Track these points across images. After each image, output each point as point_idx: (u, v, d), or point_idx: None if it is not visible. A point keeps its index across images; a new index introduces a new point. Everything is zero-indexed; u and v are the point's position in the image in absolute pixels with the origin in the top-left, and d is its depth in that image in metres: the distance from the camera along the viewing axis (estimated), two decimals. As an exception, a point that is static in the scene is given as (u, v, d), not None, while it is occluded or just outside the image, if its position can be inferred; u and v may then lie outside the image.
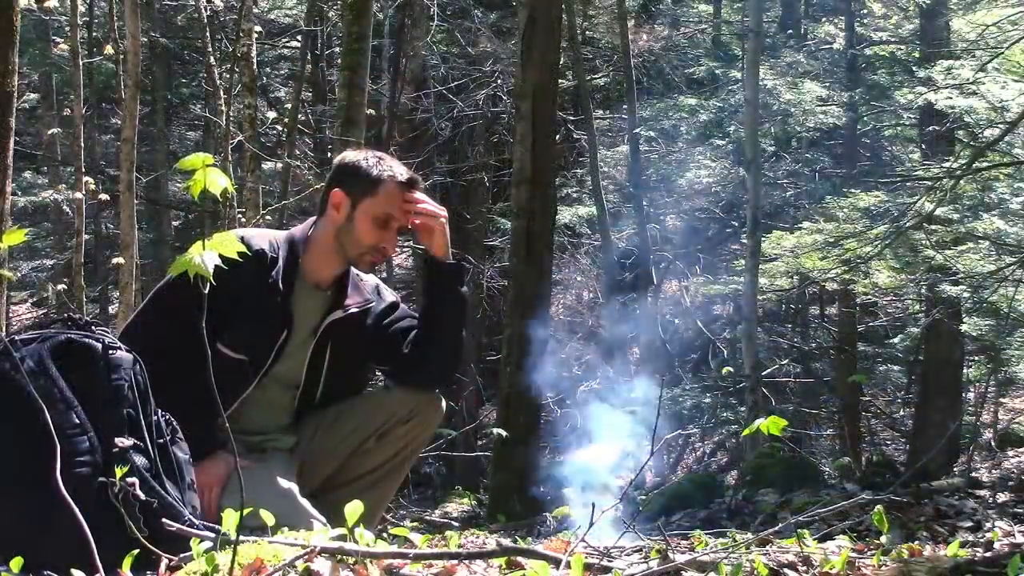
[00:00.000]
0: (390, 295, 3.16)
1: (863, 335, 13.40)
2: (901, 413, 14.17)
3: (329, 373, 3.04)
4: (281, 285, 2.92)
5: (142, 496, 2.14)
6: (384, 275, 12.31)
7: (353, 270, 3.08)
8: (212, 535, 2.05)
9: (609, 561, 2.14)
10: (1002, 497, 4.98)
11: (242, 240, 2.81)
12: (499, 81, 13.41)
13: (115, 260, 6.78)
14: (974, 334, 10.28)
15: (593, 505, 2.19)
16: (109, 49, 7.41)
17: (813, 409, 12.92)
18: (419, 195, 3.02)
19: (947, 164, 8.75)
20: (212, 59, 8.34)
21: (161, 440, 2.37)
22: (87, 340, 2.35)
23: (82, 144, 7.15)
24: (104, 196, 7.47)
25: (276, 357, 2.96)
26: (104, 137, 16.47)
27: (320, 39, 13.43)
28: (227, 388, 2.83)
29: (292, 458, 3.03)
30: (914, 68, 11.11)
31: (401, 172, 2.99)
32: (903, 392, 14.10)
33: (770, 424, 2.17)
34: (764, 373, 10.43)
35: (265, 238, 2.99)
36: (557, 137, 11.29)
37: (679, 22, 15.86)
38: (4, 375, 2.24)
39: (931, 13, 11.23)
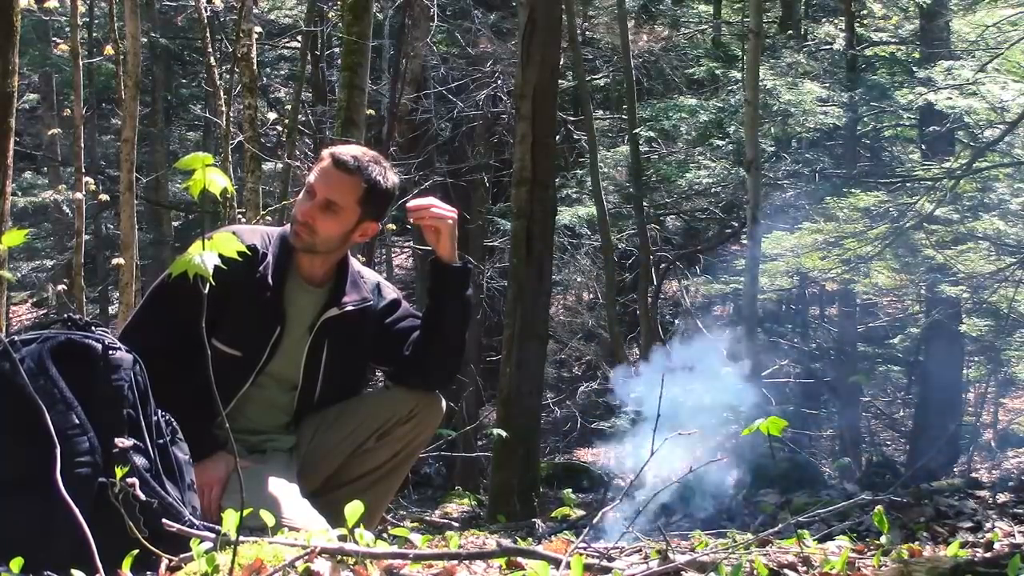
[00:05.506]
0: (391, 292, 3.15)
1: (863, 335, 13.40)
2: (901, 413, 14.17)
3: (327, 372, 3.03)
4: (271, 280, 2.92)
5: (142, 496, 2.13)
6: (384, 275, 12.30)
7: (354, 268, 3.08)
8: (212, 535, 2.05)
9: (609, 561, 2.14)
10: (1002, 497, 4.98)
11: (233, 235, 2.82)
12: (499, 81, 13.39)
13: (115, 260, 6.76)
14: (974, 334, 10.28)
15: (593, 505, 2.19)
16: (109, 49, 7.38)
17: (813, 409, 12.92)
18: (430, 199, 3.02)
19: (947, 164, 8.77)
20: (212, 59, 8.31)
21: (161, 440, 2.37)
22: (87, 340, 2.35)
23: (82, 144, 7.12)
24: (104, 197, 7.45)
25: (271, 354, 2.96)
26: (104, 137, 16.48)
27: (320, 39, 13.39)
28: (222, 384, 2.83)
29: (292, 458, 3.03)
30: (914, 68, 11.09)
31: (345, 152, 2.96)
32: (903, 392, 14.10)
33: (770, 424, 2.17)
34: (764, 373, 10.41)
35: (257, 233, 3.00)
36: (557, 137, 11.27)
37: (679, 22, 15.84)
38: (4, 375, 2.24)
39: (931, 13, 11.22)
